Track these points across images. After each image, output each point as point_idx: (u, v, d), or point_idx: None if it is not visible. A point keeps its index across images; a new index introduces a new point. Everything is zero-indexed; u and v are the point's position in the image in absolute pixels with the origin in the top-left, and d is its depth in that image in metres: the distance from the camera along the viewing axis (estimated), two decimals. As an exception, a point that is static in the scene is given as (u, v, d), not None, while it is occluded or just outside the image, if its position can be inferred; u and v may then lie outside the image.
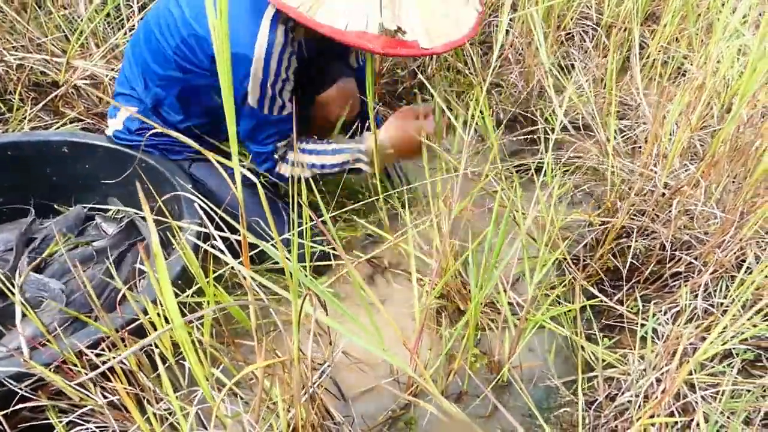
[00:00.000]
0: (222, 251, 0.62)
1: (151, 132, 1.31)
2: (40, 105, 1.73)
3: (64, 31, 1.87)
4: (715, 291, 1.19)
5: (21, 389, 0.84)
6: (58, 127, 1.71)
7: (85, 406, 0.85)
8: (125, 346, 0.79)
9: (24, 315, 1.13)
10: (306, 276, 0.59)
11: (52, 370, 0.86)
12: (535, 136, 1.90)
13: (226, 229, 0.69)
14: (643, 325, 1.12)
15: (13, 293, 1.20)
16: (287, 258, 0.58)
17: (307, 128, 1.60)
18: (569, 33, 2.17)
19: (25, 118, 1.71)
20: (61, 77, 1.75)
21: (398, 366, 0.60)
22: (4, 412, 0.82)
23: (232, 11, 1.09)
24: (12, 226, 1.41)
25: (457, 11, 1.16)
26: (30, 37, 1.81)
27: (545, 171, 1.22)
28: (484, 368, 1.23)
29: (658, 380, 1.00)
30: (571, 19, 2.09)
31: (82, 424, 0.82)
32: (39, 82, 1.80)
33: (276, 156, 1.33)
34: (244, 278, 0.60)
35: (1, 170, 1.37)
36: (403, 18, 1.08)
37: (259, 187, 0.59)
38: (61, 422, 0.84)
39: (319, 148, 1.35)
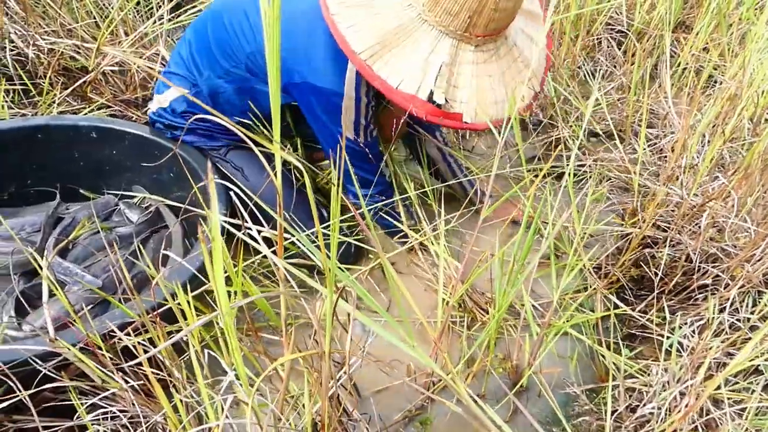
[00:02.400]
0: (255, 239, 0.62)
1: (195, 117, 1.31)
2: (69, 90, 1.75)
3: (95, 18, 1.88)
4: (742, 305, 1.17)
5: (46, 369, 0.84)
6: (85, 113, 1.72)
7: (107, 390, 0.86)
8: (154, 329, 0.79)
9: (51, 295, 1.14)
10: (339, 268, 0.59)
11: (77, 350, 0.86)
12: (556, 140, 1.89)
13: (260, 217, 0.68)
14: (667, 337, 1.10)
15: (40, 272, 1.21)
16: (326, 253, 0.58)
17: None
18: (598, 38, 2.15)
19: (54, 102, 1.73)
20: (91, 63, 1.76)
21: (426, 363, 0.59)
22: (30, 392, 0.83)
23: (318, 50, 1.16)
24: (39, 208, 1.42)
25: (509, 94, 1.18)
26: (61, 22, 1.83)
27: (567, 176, 1.20)
28: (503, 372, 1.22)
29: (682, 394, 0.99)
30: (601, 24, 2.07)
31: (104, 407, 0.82)
32: (69, 67, 1.82)
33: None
34: (278, 268, 0.60)
35: (29, 152, 1.39)
36: (455, 92, 1.11)
37: (306, 179, 0.59)
38: (83, 404, 0.85)
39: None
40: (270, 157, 1.43)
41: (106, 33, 1.77)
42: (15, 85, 1.77)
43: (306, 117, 1.28)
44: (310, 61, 1.17)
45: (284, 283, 0.59)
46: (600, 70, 2.09)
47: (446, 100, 1.09)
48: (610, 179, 1.64)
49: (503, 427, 0.62)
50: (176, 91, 1.35)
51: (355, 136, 1.25)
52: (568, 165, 0.89)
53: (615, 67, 2.02)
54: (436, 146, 1.56)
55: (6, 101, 1.71)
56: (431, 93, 1.08)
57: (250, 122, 1.33)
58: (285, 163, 1.40)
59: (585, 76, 2.10)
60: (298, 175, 1.44)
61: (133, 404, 0.78)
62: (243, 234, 0.62)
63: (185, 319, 0.78)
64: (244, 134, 0.57)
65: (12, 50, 1.78)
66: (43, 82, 1.75)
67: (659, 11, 1.91)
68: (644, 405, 1.03)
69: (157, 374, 0.75)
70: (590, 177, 1.61)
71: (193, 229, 1.39)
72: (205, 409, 0.67)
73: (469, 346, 1.24)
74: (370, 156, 1.29)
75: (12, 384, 0.84)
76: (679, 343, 1.13)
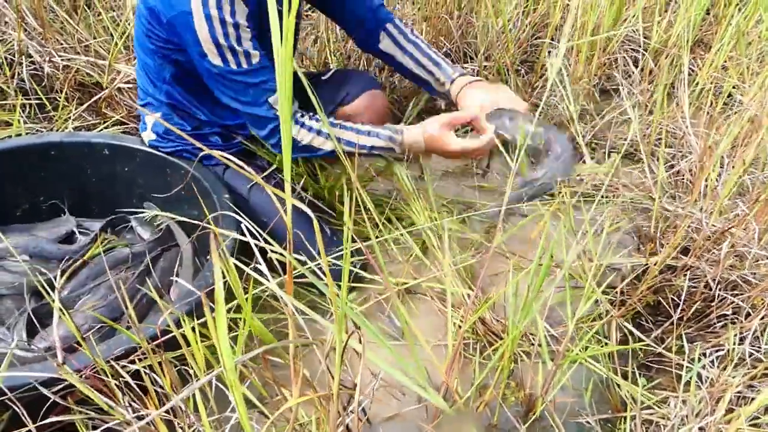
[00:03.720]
0: (260, 271, 0.61)
1: (175, 134, 1.31)
2: (84, 106, 1.76)
3: (111, 34, 1.89)
4: (763, 336, 1.14)
5: (54, 397, 0.84)
6: (100, 129, 1.73)
7: (113, 417, 0.85)
8: (155, 355, 0.78)
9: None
10: (350, 308, 0.57)
11: (82, 377, 0.86)
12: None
13: (269, 240, 0.66)
14: (687, 368, 1.07)
15: (51, 295, 1.21)
16: (333, 287, 0.57)
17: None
18: (614, 56, 2.13)
19: (69, 117, 1.74)
20: (105, 79, 1.77)
21: (436, 403, 0.58)
22: (38, 424, 0.82)
23: None
24: (50, 224, 1.42)
25: None
26: (78, 38, 1.85)
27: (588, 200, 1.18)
28: (515, 401, 1.20)
29: (702, 429, 0.95)
30: (617, 42, 2.05)
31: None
32: (84, 83, 1.83)
33: (273, 115, 1.22)
34: (285, 305, 0.59)
35: (43, 169, 1.39)
36: None
37: (310, 206, 0.57)
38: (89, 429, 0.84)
39: (357, 126, 1.30)
40: (264, 168, 1.38)
41: (120, 46, 1.78)
42: (31, 100, 1.78)
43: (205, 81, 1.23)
44: None
45: (293, 326, 0.58)
46: (616, 88, 2.07)
47: None
48: (632, 200, 1.61)
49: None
50: (151, 117, 1.37)
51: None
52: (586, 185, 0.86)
53: (631, 85, 1.99)
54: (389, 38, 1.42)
55: (22, 116, 1.73)
56: None
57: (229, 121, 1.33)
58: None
59: (600, 94, 2.08)
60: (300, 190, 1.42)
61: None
62: (251, 268, 0.61)
63: (188, 345, 0.77)
64: (218, 154, 0.56)
65: (29, 66, 1.80)
66: (59, 98, 1.77)
67: (677, 29, 1.89)
68: (662, 440, 1.00)
69: (163, 417, 0.74)
70: (608, 201, 1.58)
71: (204, 247, 1.38)
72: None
73: (480, 370, 1.22)
74: (255, 88, 1.18)
75: (18, 410, 0.83)
76: (698, 374, 1.10)
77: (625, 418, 1.11)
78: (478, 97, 1.33)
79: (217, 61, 1.15)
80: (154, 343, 0.87)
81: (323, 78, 1.56)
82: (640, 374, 1.22)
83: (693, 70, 2.06)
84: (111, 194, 1.47)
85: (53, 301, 1.03)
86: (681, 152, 1.72)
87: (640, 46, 2.03)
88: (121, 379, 0.80)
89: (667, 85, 1.89)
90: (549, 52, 2.00)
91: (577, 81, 1.88)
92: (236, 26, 1.13)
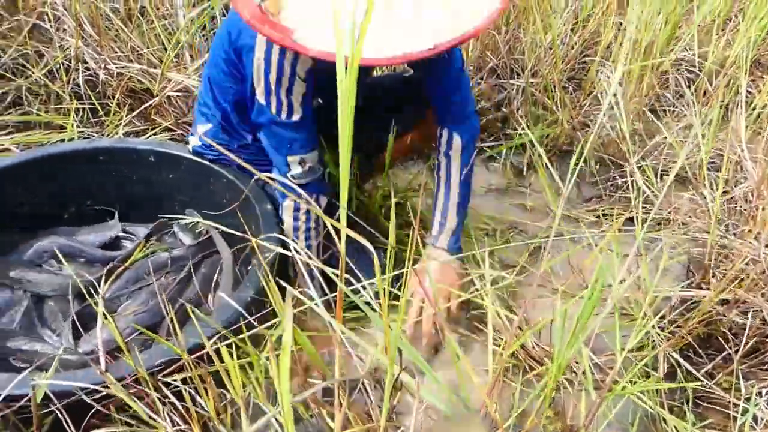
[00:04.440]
0: (313, 299, 0.60)
1: (220, 149, 1.32)
2: (135, 112, 1.80)
3: (162, 42, 1.94)
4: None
5: (95, 404, 0.85)
6: (148, 135, 1.77)
7: (153, 428, 0.85)
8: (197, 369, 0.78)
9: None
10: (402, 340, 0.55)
11: (123, 384, 0.86)
12: (618, 182, 1.81)
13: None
14: (743, 408, 1.02)
15: (94, 297, 1.23)
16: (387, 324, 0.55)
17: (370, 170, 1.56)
18: (666, 76, 2.07)
19: (120, 123, 1.78)
20: (156, 87, 1.81)
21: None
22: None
23: None
24: (98, 228, 1.45)
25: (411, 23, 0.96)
26: (132, 46, 1.89)
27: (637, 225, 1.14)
28: (555, 431, 1.16)
29: (757, 475, 0.90)
30: (670, 62, 1.99)
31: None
32: (135, 90, 1.88)
33: (284, 169, 1.22)
34: (334, 330, 0.57)
35: (91, 174, 1.43)
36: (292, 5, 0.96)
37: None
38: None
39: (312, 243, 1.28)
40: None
41: (172, 56, 1.82)
42: (85, 105, 1.83)
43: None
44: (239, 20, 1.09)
45: (341, 358, 0.56)
46: (666, 109, 2.01)
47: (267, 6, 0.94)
48: (684, 226, 1.55)
49: None
50: (201, 128, 1.37)
51: (266, 103, 1.14)
52: (636, 210, 0.83)
53: (684, 106, 1.93)
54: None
55: (75, 120, 1.78)
56: None
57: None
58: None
59: (651, 114, 2.02)
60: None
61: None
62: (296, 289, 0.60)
63: (222, 361, 0.76)
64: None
65: (85, 72, 1.86)
66: (111, 104, 1.81)
67: (735, 49, 1.82)
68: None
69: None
70: (659, 228, 1.52)
71: (245, 256, 1.39)
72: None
73: (520, 396, 1.19)
74: (283, 140, 1.18)
75: (61, 416, 0.84)
76: (753, 415, 1.04)
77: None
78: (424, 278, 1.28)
79: (261, 99, 1.15)
80: (195, 356, 0.87)
81: (376, 95, 1.49)
82: (689, 410, 1.17)
83: (750, 92, 1.99)
84: (155, 200, 1.49)
85: (96, 304, 1.05)
86: (736, 178, 1.65)
87: (694, 66, 1.97)
88: (162, 393, 0.80)
89: (723, 107, 1.83)
90: (597, 71, 1.96)
91: (628, 101, 1.83)
92: (292, 76, 1.11)
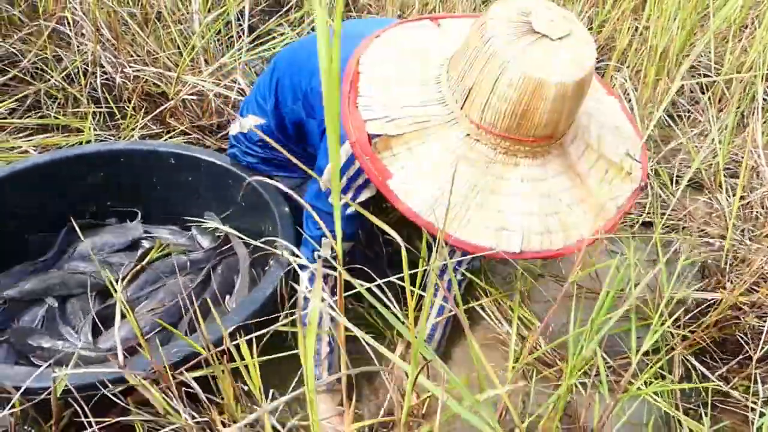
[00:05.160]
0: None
1: (252, 152, 1.32)
2: (151, 116, 1.82)
3: (178, 46, 1.96)
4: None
5: (115, 396, 0.86)
6: (164, 138, 1.79)
7: (171, 421, 0.86)
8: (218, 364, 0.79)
9: (122, 316, 1.17)
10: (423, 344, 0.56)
11: (142, 379, 0.87)
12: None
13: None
14: (761, 413, 1.01)
15: (114, 296, 1.24)
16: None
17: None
18: (682, 81, 2.07)
19: (136, 126, 1.80)
20: (171, 90, 1.83)
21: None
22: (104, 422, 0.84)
23: None
24: (119, 229, 1.47)
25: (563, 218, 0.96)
26: (148, 50, 1.92)
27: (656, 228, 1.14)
28: (569, 433, 1.16)
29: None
30: (686, 67, 1.98)
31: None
32: (151, 93, 1.90)
33: (315, 253, 1.17)
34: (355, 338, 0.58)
35: (112, 175, 1.44)
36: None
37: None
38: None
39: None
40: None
41: (187, 60, 1.84)
42: (102, 108, 1.86)
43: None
44: None
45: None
46: (681, 114, 2.01)
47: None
48: (699, 230, 1.54)
49: None
50: (253, 119, 1.37)
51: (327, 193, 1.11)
52: (653, 214, 0.83)
53: (699, 112, 1.93)
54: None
55: (93, 123, 1.80)
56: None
57: None
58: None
59: (665, 120, 2.02)
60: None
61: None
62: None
63: (242, 358, 0.77)
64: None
65: (102, 75, 1.88)
66: (127, 107, 1.83)
67: (752, 55, 1.82)
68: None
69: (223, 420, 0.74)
70: (674, 231, 1.51)
71: (261, 258, 1.39)
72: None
73: (534, 398, 1.19)
74: (324, 219, 1.10)
75: (81, 408, 0.85)
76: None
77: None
78: None
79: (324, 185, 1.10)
80: (217, 350, 0.88)
81: None
82: (704, 413, 1.16)
83: (767, 99, 1.98)
84: (174, 202, 1.50)
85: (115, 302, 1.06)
86: (752, 184, 1.64)
87: (710, 71, 1.97)
88: (180, 387, 0.81)
89: (739, 113, 1.82)
90: (612, 76, 1.96)
91: (643, 106, 1.83)
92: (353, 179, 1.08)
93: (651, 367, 1.12)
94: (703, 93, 1.99)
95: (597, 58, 1.82)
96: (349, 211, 1.12)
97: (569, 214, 0.96)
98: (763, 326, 1.23)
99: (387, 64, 1.02)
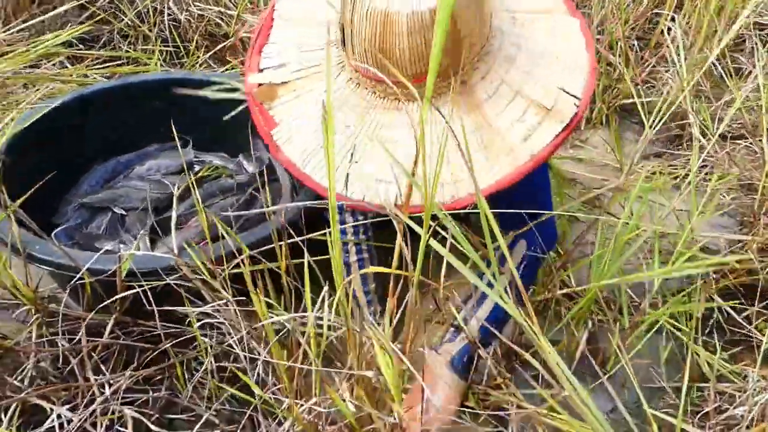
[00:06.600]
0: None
1: None
2: (210, 53, 1.93)
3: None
4: None
5: (170, 282, 0.97)
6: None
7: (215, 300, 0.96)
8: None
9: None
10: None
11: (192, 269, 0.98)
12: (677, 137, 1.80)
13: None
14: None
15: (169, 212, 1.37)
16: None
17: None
18: (741, 37, 2.01)
19: (197, 63, 1.92)
20: (231, 29, 1.93)
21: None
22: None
23: None
24: (173, 153, 1.59)
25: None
26: (212, -11, 2.02)
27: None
28: (587, 359, 1.20)
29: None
30: (744, 21, 1.93)
31: (213, 317, 0.94)
32: (213, 33, 2.00)
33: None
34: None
35: (169, 105, 1.55)
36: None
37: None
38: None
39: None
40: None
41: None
42: (169, 46, 1.98)
43: None
44: None
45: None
46: (739, 70, 1.95)
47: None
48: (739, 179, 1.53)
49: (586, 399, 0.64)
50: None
51: None
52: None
53: (755, 68, 1.87)
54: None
55: (159, 60, 1.93)
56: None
57: None
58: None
59: (722, 75, 1.97)
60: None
61: (236, 313, 0.88)
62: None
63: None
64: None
65: (169, 15, 2.00)
66: (190, 45, 1.95)
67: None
68: (735, 408, 0.98)
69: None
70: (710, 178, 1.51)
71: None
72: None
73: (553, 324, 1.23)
74: None
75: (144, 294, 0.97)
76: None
77: (699, 387, 1.10)
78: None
79: None
80: (258, 250, 0.97)
81: None
82: (721, 347, 1.19)
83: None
84: (223, 131, 1.60)
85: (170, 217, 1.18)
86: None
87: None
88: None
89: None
90: (662, 29, 1.92)
91: (695, 55, 1.80)
92: None
93: (674, 296, 1.15)
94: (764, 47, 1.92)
95: (653, 12, 1.78)
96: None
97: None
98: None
99: (298, 5, 0.97)
